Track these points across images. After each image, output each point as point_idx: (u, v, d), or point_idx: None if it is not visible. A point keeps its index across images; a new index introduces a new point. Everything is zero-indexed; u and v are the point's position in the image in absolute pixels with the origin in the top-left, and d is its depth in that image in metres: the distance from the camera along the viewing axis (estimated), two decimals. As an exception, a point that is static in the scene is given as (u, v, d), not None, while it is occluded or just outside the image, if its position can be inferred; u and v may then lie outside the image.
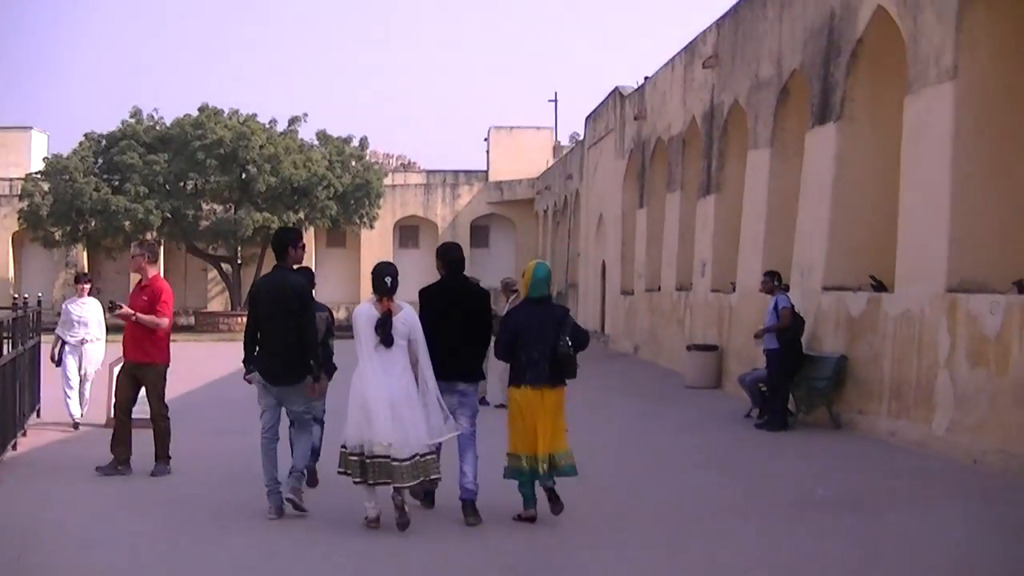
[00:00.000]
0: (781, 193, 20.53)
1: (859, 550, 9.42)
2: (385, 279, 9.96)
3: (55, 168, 49.31)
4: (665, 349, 28.50)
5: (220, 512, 10.94)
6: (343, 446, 9.94)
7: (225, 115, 50.41)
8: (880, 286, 16.41)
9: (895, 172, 15.94)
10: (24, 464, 13.56)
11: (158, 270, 12.96)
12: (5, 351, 13.62)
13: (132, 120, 51.07)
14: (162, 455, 12.89)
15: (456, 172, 62.81)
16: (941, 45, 14.55)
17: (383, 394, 9.71)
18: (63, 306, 17.58)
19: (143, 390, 13.19)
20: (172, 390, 21.82)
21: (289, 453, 11.07)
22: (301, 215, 50.19)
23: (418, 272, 53.73)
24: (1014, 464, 12.36)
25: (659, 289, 29.76)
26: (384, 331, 9.76)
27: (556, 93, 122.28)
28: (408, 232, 61.06)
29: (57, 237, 50.43)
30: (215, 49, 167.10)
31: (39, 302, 18.58)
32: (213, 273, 56.57)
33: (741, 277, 22.12)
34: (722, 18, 24.37)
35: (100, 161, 50.32)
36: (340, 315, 49.10)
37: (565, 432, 10.45)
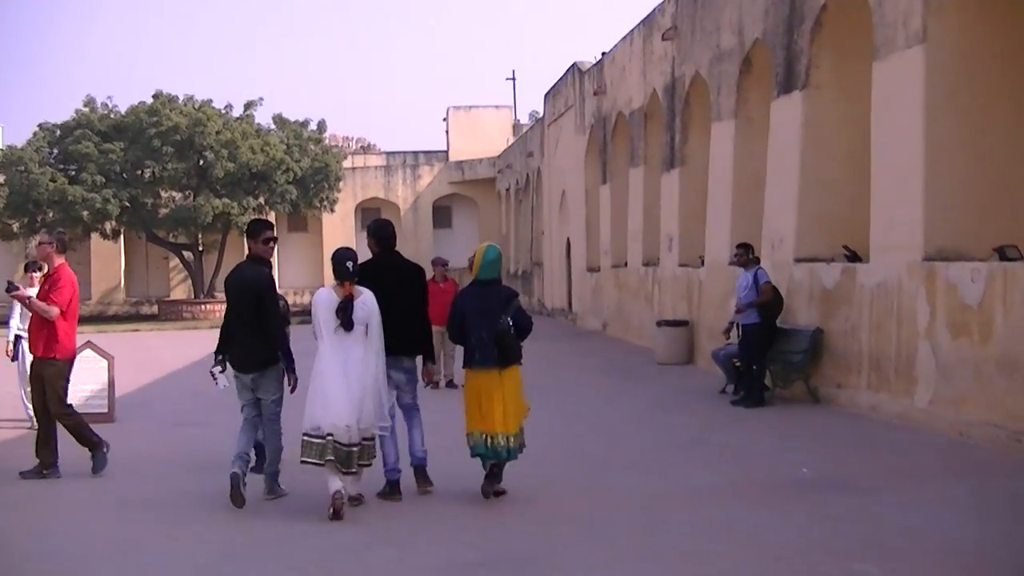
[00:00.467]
0: (747, 165, 20.25)
1: (852, 534, 8.98)
2: (346, 264, 9.92)
3: (9, 159, 48.75)
4: (634, 325, 28.25)
5: (177, 506, 10.60)
6: (305, 433, 9.87)
7: (180, 102, 49.99)
8: (854, 256, 16.12)
9: (865, 140, 15.61)
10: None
11: (64, 260, 12.12)
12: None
13: (86, 109, 50.56)
14: (91, 446, 12.12)
15: (416, 153, 62.59)
16: (908, 8, 14.20)
17: (341, 378, 9.77)
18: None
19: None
20: (133, 381, 21.85)
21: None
22: (261, 200, 49.94)
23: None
24: (1001, 436, 12.03)
25: (625, 265, 29.49)
26: (345, 315, 9.79)
27: (514, 71, 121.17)
28: (370, 214, 60.15)
29: (15, 229, 49.89)
30: (168, 35, 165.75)
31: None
32: (175, 261, 56.05)
33: (709, 251, 21.82)
34: (681, -11, 24.01)
35: (55, 151, 49.87)
36: (304, 299, 49.13)
37: (522, 413, 10.53)
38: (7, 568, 8.68)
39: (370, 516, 9.92)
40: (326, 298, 9.99)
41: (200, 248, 52.16)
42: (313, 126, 53.15)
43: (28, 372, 15.38)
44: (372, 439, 10.02)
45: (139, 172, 48.91)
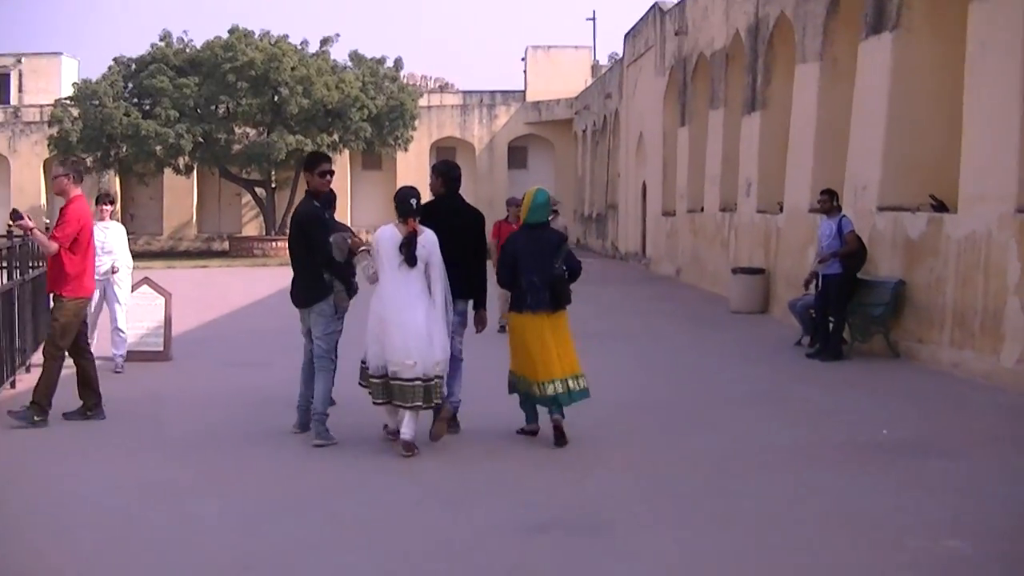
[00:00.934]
0: (832, 109, 19.53)
1: (939, 504, 8.30)
2: (410, 201, 9.93)
3: (84, 93, 48.91)
4: (709, 272, 27.68)
5: (223, 451, 10.22)
6: (363, 363, 10.12)
7: (256, 37, 49.76)
8: (941, 206, 15.43)
9: (957, 85, 14.90)
10: (22, 404, 12.03)
11: (80, 192, 11.59)
12: (3, 280, 12.91)
13: (161, 44, 50.53)
14: (38, 402, 11.24)
15: (493, 93, 61.89)
16: (1010, -54, 13.48)
17: (405, 315, 9.77)
18: None
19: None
20: (195, 318, 21.59)
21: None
22: (335, 137, 49.65)
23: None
24: (1094, 398, 11.45)
25: (702, 210, 28.89)
26: (409, 251, 9.78)
27: (594, 12, 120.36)
28: (445, 154, 59.76)
29: (89, 163, 49.89)
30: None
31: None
32: (247, 198, 56.02)
33: (789, 197, 21.18)
34: (768, -75, 23.23)
35: (130, 86, 49.95)
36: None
37: (574, 354, 10.50)
38: (46, 513, 8.25)
39: (424, 469, 9.50)
40: (390, 235, 9.94)
41: (273, 185, 52.09)
42: (389, 63, 52.69)
43: (94, 312, 15.08)
44: (441, 377, 9.95)
45: (213, 107, 48.88)
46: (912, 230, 15.63)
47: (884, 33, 16.74)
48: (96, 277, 14.36)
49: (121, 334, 15.24)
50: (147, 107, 48.42)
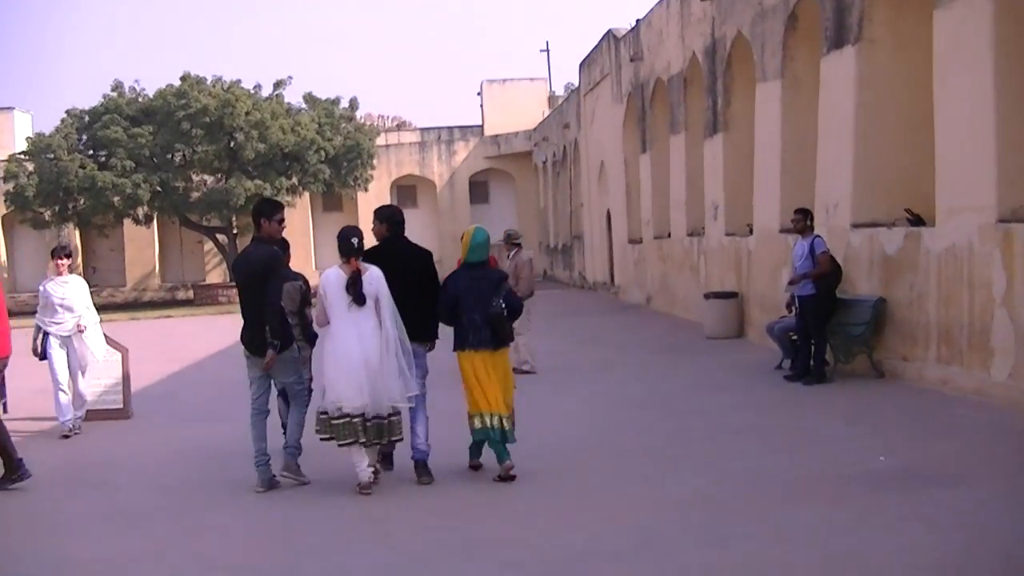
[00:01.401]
0: (796, 127, 19.21)
1: (946, 536, 7.73)
2: (352, 240, 10.04)
3: (38, 147, 48.32)
4: (680, 298, 27.30)
5: (185, 510, 9.63)
6: (322, 412, 10.03)
7: (208, 83, 49.07)
8: (918, 220, 15.05)
9: (925, 95, 14.54)
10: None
11: None
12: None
13: (114, 94, 49.93)
14: (7, 465, 10.95)
15: (451, 128, 61.51)
16: (972, -50, 13.14)
17: (358, 354, 9.84)
18: (40, 288, 14.87)
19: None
20: (157, 371, 21.02)
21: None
22: (294, 180, 49.18)
23: (419, 230, 53.54)
24: (1092, 411, 11.03)
25: (669, 236, 28.53)
26: (355, 290, 9.85)
27: (547, 43, 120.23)
28: (406, 192, 59.74)
29: (47, 217, 49.56)
30: (195, 16, 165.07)
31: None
32: (209, 245, 55.35)
33: (758, 219, 20.82)
34: (720, -55, 22.93)
35: (84, 137, 49.33)
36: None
37: (511, 394, 10.64)
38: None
39: (397, 529, 9.04)
40: (335, 276, 10.03)
41: (235, 231, 51.41)
42: (345, 104, 52.20)
43: (62, 374, 14.34)
44: (398, 414, 10.06)
45: (169, 156, 48.24)
46: (889, 246, 15.23)
47: (846, 47, 16.40)
48: (59, 335, 14.35)
49: (83, 393, 14.69)
50: (102, 158, 47.80)
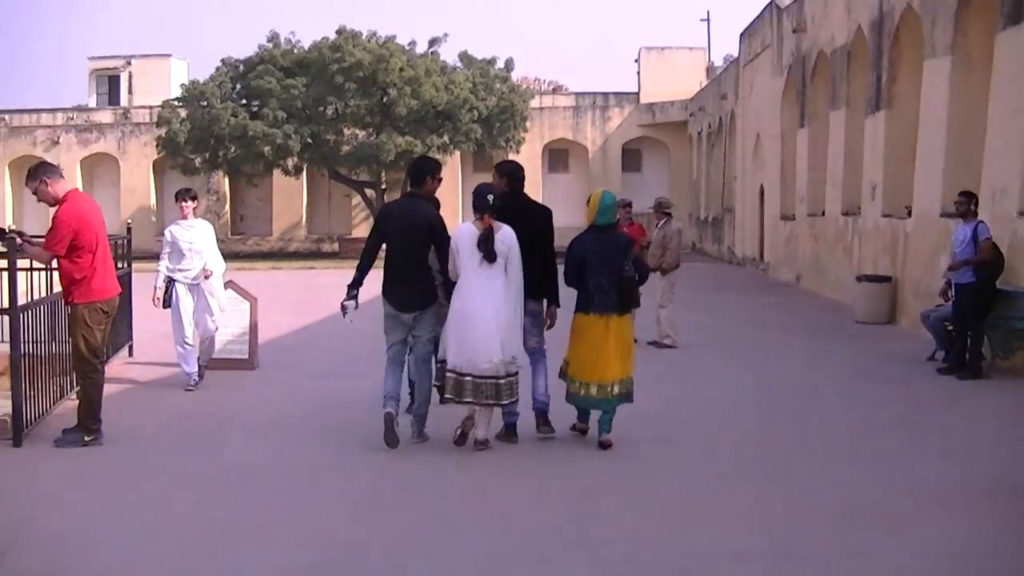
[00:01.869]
0: (965, 106, 18.28)
1: None
2: (487, 197, 10.00)
3: (192, 94, 49.06)
4: (830, 279, 26.46)
5: (290, 474, 9.29)
6: (441, 361, 10.06)
7: (363, 38, 49.19)
8: (1091, 210, 14.17)
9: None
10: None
11: (65, 195, 10.27)
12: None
13: (269, 45, 50.41)
14: (84, 424, 10.43)
15: (606, 94, 60.67)
16: None
17: (488, 311, 9.82)
18: (166, 232, 14.20)
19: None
20: (291, 323, 20.85)
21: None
22: (445, 139, 48.95)
23: (568, 196, 53.21)
24: None
25: (823, 214, 27.66)
26: (487, 247, 9.82)
27: (708, 12, 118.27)
28: (557, 156, 59.34)
29: (197, 164, 50.16)
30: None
31: (128, 229, 17.24)
32: (357, 199, 55.70)
33: (918, 201, 19.93)
34: (894, -87, 21.98)
35: (238, 87, 49.97)
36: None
37: (632, 359, 10.52)
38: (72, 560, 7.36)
39: (512, 512, 8.54)
40: (468, 232, 10.00)
41: (383, 186, 51.51)
42: (500, 64, 51.89)
43: (188, 326, 13.87)
44: (515, 374, 10.01)
45: (321, 108, 48.51)
46: (1058, 236, 14.36)
47: (1024, 23, 15.50)
48: (186, 281, 13.87)
49: (212, 340, 14.30)
50: (255, 108, 48.34)
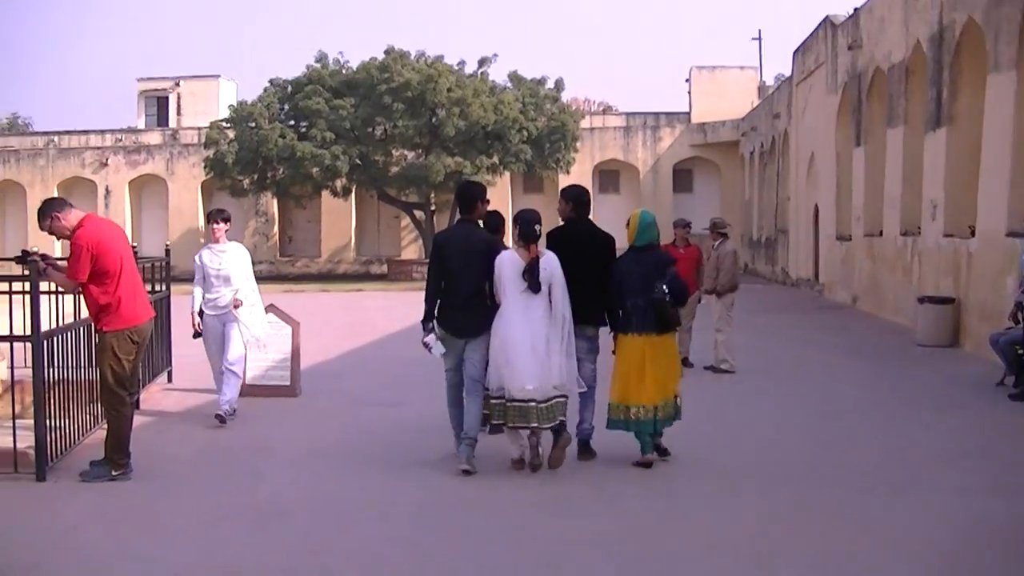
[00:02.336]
0: (1031, 122, 17.72)
1: None
2: (535, 227, 10.07)
3: (240, 115, 49.18)
4: (889, 300, 25.85)
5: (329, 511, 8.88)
6: (485, 388, 10.21)
7: (412, 58, 49.14)
8: None
9: None
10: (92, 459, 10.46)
11: (80, 222, 9.80)
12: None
13: (317, 65, 50.53)
14: (112, 458, 9.99)
15: (657, 114, 60.27)
16: None
17: (527, 338, 9.85)
18: (196, 256, 13.41)
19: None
20: (337, 347, 20.50)
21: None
22: (495, 159, 48.73)
23: (619, 217, 51.88)
24: None
25: (880, 234, 27.07)
26: (532, 276, 9.89)
27: (760, 31, 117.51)
28: (608, 176, 58.93)
29: (245, 185, 50.18)
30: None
31: (166, 251, 16.87)
32: (406, 220, 55.55)
33: (983, 220, 19.34)
34: (954, -75, 21.44)
35: (285, 107, 50.05)
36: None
37: (678, 378, 10.58)
38: None
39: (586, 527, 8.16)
40: (510, 259, 10.07)
41: (432, 207, 51.37)
42: (550, 84, 51.58)
43: (214, 357, 13.28)
44: (563, 397, 10.04)
45: (370, 129, 48.45)
46: None
47: (1095, 35, 14.95)
48: (213, 312, 13.16)
49: (232, 369, 13.11)
50: (303, 129, 48.42)
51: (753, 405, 14.21)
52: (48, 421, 9.96)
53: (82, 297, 10.17)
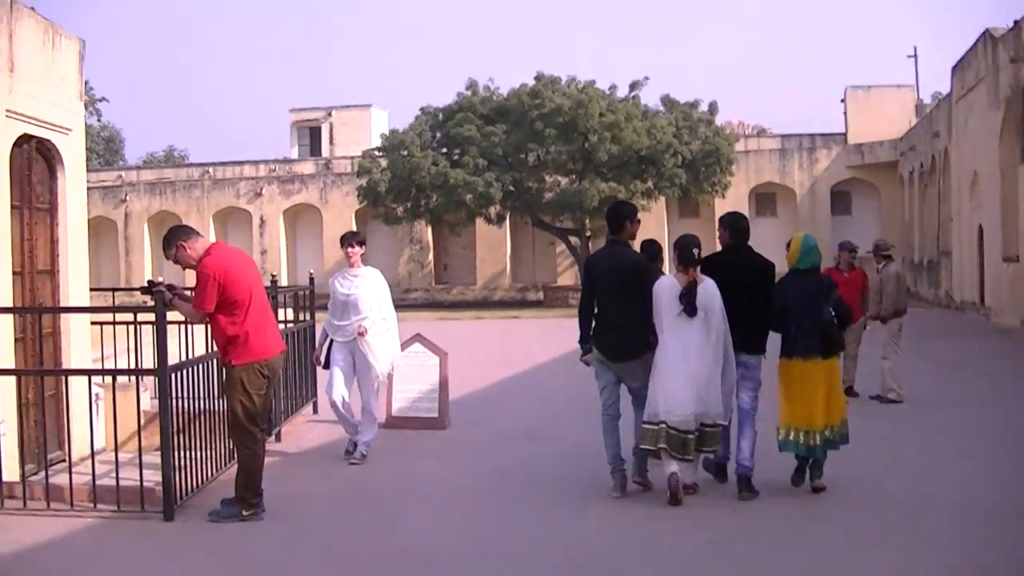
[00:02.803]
0: None
1: None
2: (693, 250, 10.02)
3: (392, 143, 49.75)
4: (1061, 324, 24.89)
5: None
6: (645, 421, 10.08)
7: (563, 83, 49.02)
8: None
9: None
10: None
11: (210, 241, 9.78)
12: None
13: (468, 92, 50.73)
14: (243, 497, 9.72)
15: (812, 135, 59.25)
16: None
17: (681, 365, 9.83)
18: (330, 283, 12.94)
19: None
20: (491, 376, 20.19)
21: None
22: (649, 184, 48.35)
23: (776, 240, 50.93)
24: None
25: (1051, 254, 26.07)
26: (688, 300, 9.86)
27: (915, 48, 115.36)
28: (764, 200, 58.08)
29: (399, 213, 50.60)
30: (549, 16, 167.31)
31: (310, 279, 16.85)
32: (561, 247, 55.42)
33: None
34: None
35: (437, 135, 50.37)
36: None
37: (844, 403, 10.57)
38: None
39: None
40: (669, 284, 10.10)
41: (587, 233, 51.07)
42: (704, 107, 51.08)
43: (338, 387, 12.61)
44: (716, 426, 10.02)
45: (522, 155, 48.36)
46: None
47: None
48: (341, 338, 12.65)
49: (370, 414, 12.63)
50: (455, 156, 48.64)
51: (925, 439, 13.56)
52: (177, 457, 9.81)
53: (210, 329, 9.98)
